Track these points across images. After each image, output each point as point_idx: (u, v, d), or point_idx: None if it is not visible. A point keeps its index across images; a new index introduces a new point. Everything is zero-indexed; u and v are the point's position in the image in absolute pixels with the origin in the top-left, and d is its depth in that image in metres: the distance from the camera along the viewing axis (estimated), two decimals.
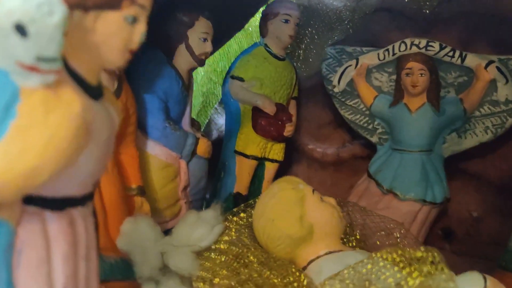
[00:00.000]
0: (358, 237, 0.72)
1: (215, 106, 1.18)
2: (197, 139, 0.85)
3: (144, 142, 0.80)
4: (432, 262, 0.51)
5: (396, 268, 0.51)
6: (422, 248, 0.52)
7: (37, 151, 0.29)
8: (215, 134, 1.17)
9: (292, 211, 0.63)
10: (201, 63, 0.86)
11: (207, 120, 1.21)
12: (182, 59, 0.84)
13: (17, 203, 0.32)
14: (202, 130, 1.12)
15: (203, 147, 0.86)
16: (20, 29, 0.29)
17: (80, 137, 0.31)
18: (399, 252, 0.52)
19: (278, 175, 1.00)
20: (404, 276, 0.50)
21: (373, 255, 0.54)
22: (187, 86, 0.86)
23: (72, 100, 0.31)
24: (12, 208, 0.32)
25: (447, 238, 1.00)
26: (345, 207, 0.80)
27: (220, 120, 1.16)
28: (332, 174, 1.06)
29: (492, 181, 0.97)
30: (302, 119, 1.08)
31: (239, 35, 1.16)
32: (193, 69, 0.86)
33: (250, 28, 1.18)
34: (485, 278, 0.57)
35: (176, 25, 0.82)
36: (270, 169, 1.00)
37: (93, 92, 0.36)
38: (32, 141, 0.29)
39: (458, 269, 0.76)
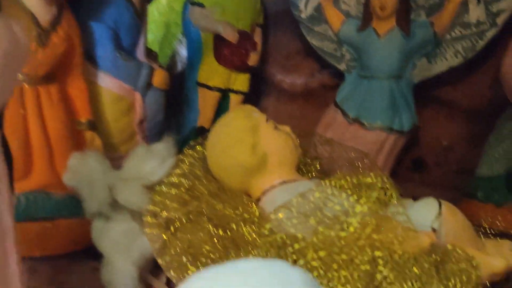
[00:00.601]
0: (318, 167, 0.70)
1: (179, 37, 1.13)
2: (152, 70, 0.81)
3: (95, 74, 0.75)
4: (381, 188, 0.49)
5: (344, 195, 0.49)
6: (371, 174, 0.50)
7: None
8: (179, 66, 1.12)
9: (244, 139, 0.60)
10: None
11: (171, 52, 1.16)
12: None
13: None
14: (166, 62, 1.08)
15: (160, 78, 0.81)
16: None
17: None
18: (348, 178, 0.50)
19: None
20: (351, 203, 0.48)
21: (322, 182, 0.52)
22: (140, 14, 0.81)
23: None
24: None
25: (417, 169, 0.98)
26: (309, 138, 0.78)
27: (184, 52, 1.11)
28: (302, 105, 1.03)
29: (462, 108, 0.94)
30: (269, 48, 1.03)
31: None
32: None
33: None
34: (440, 203, 0.56)
35: None
36: (235, 101, 0.97)
37: None
38: None
39: None
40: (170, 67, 1.06)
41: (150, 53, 0.87)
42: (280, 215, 0.49)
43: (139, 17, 0.80)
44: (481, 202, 0.79)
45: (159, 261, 0.50)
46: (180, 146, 0.74)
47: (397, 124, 0.87)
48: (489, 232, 0.69)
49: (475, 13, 0.86)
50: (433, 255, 0.49)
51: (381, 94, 0.88)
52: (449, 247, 0.51)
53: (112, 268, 0.56)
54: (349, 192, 0.49)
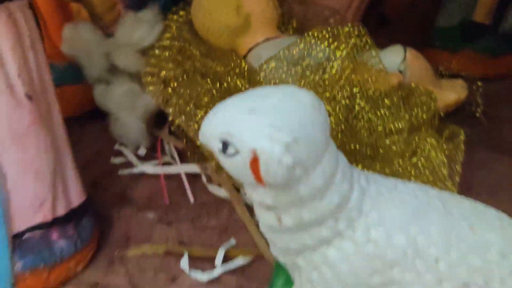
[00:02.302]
0: (294, 26, 0.76)
1: None
2: None
3: None
4: (357, 35, 0.56)
5: (325, 44, 0.56)
6: (349, 24, 0.57)
7: None
8: None
9: (228, 2, 0.65)
10: None
11: None
12: None
13: None
14: None
15: None
16: None
17: None
18: (329, 29, 0.57)
19: None
20: (332, 50, 0.55)
21: (305, 35, 0.58)
22: None
23: None
24: None
25: (382, 23, 1.05)
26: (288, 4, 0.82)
27: None
28: None
29: None
30: None
31: None
32: None
33: None
34: (405, 50, 0.64)
35: None
36: None
37: None
38: None
39: None
40: None
41: None
42: (272, 64, 0.56)
43: None
44: (439, 50, 0.88)
45: (167, 111, 0.58)
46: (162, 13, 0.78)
47: None
48: (444, 74, 0.79)
49: None
50: (400, 92, 0.58)
51: None
52: (413, 85, 0.60)
53: (120, 124, 0.63)
54: (330, 40, 0.56)
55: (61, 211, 0.44)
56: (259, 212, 0.35)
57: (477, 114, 0.71)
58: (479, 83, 0.71)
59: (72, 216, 0.45)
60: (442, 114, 0.63)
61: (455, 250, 0.33)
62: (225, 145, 0.32)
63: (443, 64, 0.83)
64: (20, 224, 0.41)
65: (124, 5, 0.83)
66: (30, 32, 0.38)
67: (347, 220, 0.34)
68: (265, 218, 0.35)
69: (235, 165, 0.32)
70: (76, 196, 0.46)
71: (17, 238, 0.42)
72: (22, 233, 0.42)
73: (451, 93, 0.64)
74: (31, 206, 0.41)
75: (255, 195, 0.34)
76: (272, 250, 0.38)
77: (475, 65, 0.84)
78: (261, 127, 0.31)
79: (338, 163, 0.34)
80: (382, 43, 0.95)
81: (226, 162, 0.33)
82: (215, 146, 0.33)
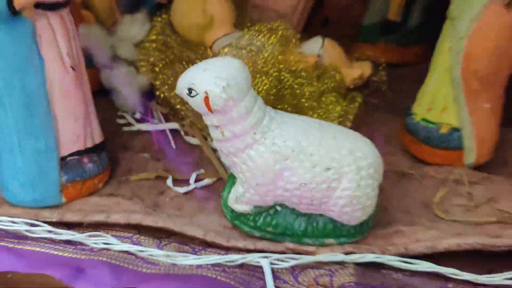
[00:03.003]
0: (249, 24, 1.01)
1: None
2: None
3: None
4: (284, 29, 0.82)
5: (261, 36, 0.81)
6: (278, 21, 0.82)
7: None
8: None
9: (197, 7, 0.90)
10: None
11: None
12: None
13: (32, 7, 0.57)
14: None
15: None
16: None
17: None
18: (264, 25, 0.82)
19: None
20: (266, 40, 0.81)
21: (249, 29, 0.84)
22: None
23: None
24: (30, 10, 0.57)
25: (325, 25, 1.31)
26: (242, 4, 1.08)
27: None
28: None
29: None
30: None
31: None
32: None
33: None
34: (323, 39, 0.90)
35: None
36: None
37: None
38: None
39: None
40: None
41: None
42: (226, 50, 0.81)
43: None
44: (364, 43, 1.15)
45: (155, 83, 0.83)
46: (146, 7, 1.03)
47: None
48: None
49: None
50: (317, 70, 0.84)
51: None
52: (327, 64, 0.86)
53: (121, 96, 0.88)
54: (266, 33, 0.81)
55: (89, 144, 0.68)
56: (211, 130, 0.61)
57: (383, 88, 0.98)
58: (383, 65, 0.98)
59: (96, 149, 0.70)
60: (351, 86, 0.90)
61: (323, 148, 0.59)
62: (190, 90, 0.57)
63: (364, 54, 1.10)
64: (65, 150, 0.66)
65: (120, 11, 1.08)
66: (72, 27, 0.63)
67: (261, 133, 0.59)
68: (214, 134, 0.60)
69: (196, 102, 0.58)
70: (98, 136, 0.70)
71: (62, 160, 0.66)
72: (66, 157, 0.66)
73: (357, 70, 0.90)
74: (71, 139, 0.66)
75: (208, 120, 0.59)
76: (221, 157, 0.63)
77: (389, 54, 1.10)
78: (209, 78, 0.56)
79: (256, 101, 0.59)
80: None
81: (191, 101, 0.58)
82: (184, 93, 0.58)
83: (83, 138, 0.67)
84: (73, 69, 0.63)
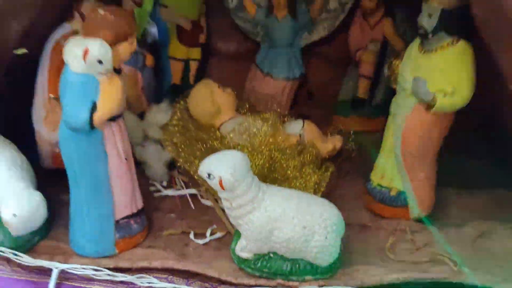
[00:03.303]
0: (247, 106, 1.30)
1: (148, 20, 1.63)
2: (145, 55, 1.34)
3: None
4: (273, 119, 1.11)
5: (258, 121, 1.10)
6: (268, 113, 1.12)
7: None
8: (149, 40, 1.63)
9: (207, 99, 1.19)
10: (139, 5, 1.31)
11: (143, 29, 1.66)
12: None
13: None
14: (140, 35, 1.58)
15: (150, 60, 1.35)
16: (99, 61, 0.79)
17: (123, 93, 0.84)
18: (260, 115, 1.11)
19: (201, 70, 1.54)
20: (261, 125, 1.09)
21: (248, 118, 1.13)
22: None
23: (117, 80, 0.83)
24: (102, 124, 0.85)
25: (309, 97, 1.59)
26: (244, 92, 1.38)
27: (152, 29, 1.62)
28: (235, 64, 1.56)
29: (333, 57, 1.55)
30: (212, 27, 1.55)
31: None
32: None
33: None
34: (303, 121, 1.19)
35: None
36: (193, 65, 1.50)
37: (119, 72, 0.87)
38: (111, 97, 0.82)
39: (315, 116, 1.37)
40: (144, 41, 1.57)
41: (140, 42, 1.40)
42: (231, 135, 1.09)
43: None
44: (337, 115, 1.43)
45: (178, 158, 1.11)
46: (165, 96, 1.33)
47: (292, 74, 1.44)
48: (338, 131, 1.31)
49: (333, 4, 1.43)
50: (299, 147, 1.12)
51: (282, 57, 1.43)
52: (307, 143, 1.14)
53: (151, 168, 1.15)
54: (260, 121, 1.10)
55: (134, 209, 0.95)
56: (222, 201, 0.88)
57: (352, 155, 1.25)
58: (352, 136, 1.26)
59: (139, 213, 0.96)
60: (326, 157, 1.17)
61: (300, 213, 0.86)
62: (209, 175, 0.84)
63: (339, 126, 1.37)
64: (118, 215, 0.93)
65: (145, 96, 1.36)
66: (124, 130, 0.91)
67: (257, 203, 0.86)
68: (225, 204, 0.87)
69: (213, 183, 0.85)
70: (140, 203, 0.97)
71: (117, 223, 0.93)
72: (119, 220, 0.93)
73: (330, 144, 1.18)
74: (124, 207, 0.93)
75: (220, 194, 0.87)
76: (231, 221, 0.90)
77: (359, 124, 1.38)
78: (222, 167, 0.83)
79: (253, 180, 0.87)
80: (309, 109, 1.49)
81: (209, 182, 0.85)
82: (205, 176, 0.85)
83: (130, 206, 0.94)
84: (126, 159, 0.91)
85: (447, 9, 0.85)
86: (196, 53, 1.50)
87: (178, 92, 1.42)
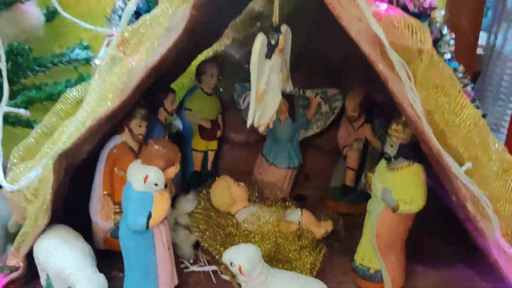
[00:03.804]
0: (256, 195, 1.62)
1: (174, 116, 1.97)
2: None
3: None
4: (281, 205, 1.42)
5: (266, 213, 1.41)
6: (274, 201, 1.43)
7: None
8: (174, 131, 1.97)
9: (225, 193, 1.50)
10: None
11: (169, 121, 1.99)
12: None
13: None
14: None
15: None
16: (155, 184, 1.11)
17: (170, 203, 1.16)
18: (266, 202, 1.43)
19: (216, 156, 1.86)
20: (270, 214, 1.40)
21: (258, 209, 1.44)
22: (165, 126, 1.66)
23: (166, 195, 1.15)
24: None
25: (306, 180, 1.91)
26: (251, 184, 1.70)
27: (176, 122, 1.96)
28: (245, 152, 1.89)
29: (325, 148, 1.88)
30: (226, 120, 1.88)
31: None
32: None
33: None
34: (301, 211, 1.50)
35: None
36: (211, 154, 1.81)
37: (166, 186, 1.19)
38: (162, 207, 1.14)
39: (311, 196, 1.69)
40: (169, 131, 1.89)
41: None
42: (245, 225, 1.41)
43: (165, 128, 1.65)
44: (329, 200, 1.75)
45: (203, 242, 1.41)
46: (188, 183, 1.65)
47: (292, 164, 1.77)
48: (332, 214, 1.62)
49: (325, 108, 1.78)
50: (298, 232, 1.43)
51: (283, 150, 1.75)
52: (305, 228, 1.45)
53: (180, 249, 1.46)
54: (267, 212, 1.41)
55: (172, 286, 1.25)
56: (240, 282, 1.18)
57: (342, 236, 1.56)
58: (341, 219, 1.57)
59: None
60: (321, 238, 1.48)
61: None
62: (231, 263, 1.15)
63: (334, 208, 1.68)
64: None
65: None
66: (167, 227, 1.22)
67: (266, 284, 1.16)
68: (243, 285, 1.18)
69: (234, 270, 1.16)
70: (176, 280, 1.27)
71: None
72: None
73: (323, 229, 1.49)
74: (165, 285, 1.23)
75: (239, 277, 1.17)
76: None
77: (347, 208, 1.69)
78: (241, 257, 1.14)
79: (264, 266, 1.17)
80: (306, 191, 1.81)
81: (231, 268, 1.16)
82: (228, 264, 1.16)
83: (170, 283, 1.24)
84: (168, 248, 1.22)
85: (403, 143, 1.18)
86: (213, 144, 1.82)
87: (198, 178, 1.75)
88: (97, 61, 1.25)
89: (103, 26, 1.28)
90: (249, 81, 1.19)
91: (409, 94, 0.95)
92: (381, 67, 0.94)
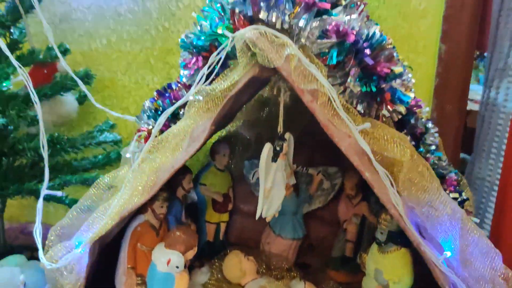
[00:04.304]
0: (264, 266, 1.79)
1: None
2: (190, 225, 1.85)
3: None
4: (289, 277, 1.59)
5: (274, 285, 1.58)
6: (280, 270, 1.60)
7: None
8: (189, 201, 2.16)
9: (236, 266, 1.68)
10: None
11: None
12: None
13: None
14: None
15: (194, 227, 1.86)
16: (177, 266, 1.29)
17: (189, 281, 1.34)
18: (273, 276, 1.59)
19: (227, 225, 2.04)
20: (277, 287, 1.57)
21: (267, 280, 1.61)
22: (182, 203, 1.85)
23: (186, 274, 1.33)
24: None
25: (309, 248, 2.08)
26: (259, 255, 1.87)
27: (192, 195, 2.15)
28: (254, 221, 2.08)
29: (328, 220, 2.06)
30: (236, 192, 2.07)
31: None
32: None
33: None
34: (305, 283, 1.67)
35: None
36: (222, 226, 1.99)
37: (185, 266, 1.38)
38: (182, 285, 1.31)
39: (315, 263, 1.87)
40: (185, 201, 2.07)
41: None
42: None
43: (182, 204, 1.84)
44: (330, 270, 1.91)
45: None
46: (201, 250, 1.82)
47: (296, 235, 1.94)
48: (333, 285, 1.78)
49: (326, 185, 1.97)
50: None
51: (288, 222, 1.94)
52: None
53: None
54: (273, 281, 1.58)
55: None
56: None
57: None
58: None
59: None
60: None
61: None
62: None
63: (333, 278, 1.84)
64: None
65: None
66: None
67: None
68: None
69: None
70: None
71: None
72: None
73: None
74: None
75: None
76: None
77: (346, 278, 1.85)
78: None
79: None
80: (310, 259, 1.98)
81: None
82: None
83: None
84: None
85: (392, 231, 1.36)
86: (225, 216, 2.00)
87: (211, 247, 1.93)
88: (128, 155, 1.46)
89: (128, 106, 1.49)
90: (257, 158, 1.39)
91: (392, 198, 1.14)
92: (367, 175, 1.14)
